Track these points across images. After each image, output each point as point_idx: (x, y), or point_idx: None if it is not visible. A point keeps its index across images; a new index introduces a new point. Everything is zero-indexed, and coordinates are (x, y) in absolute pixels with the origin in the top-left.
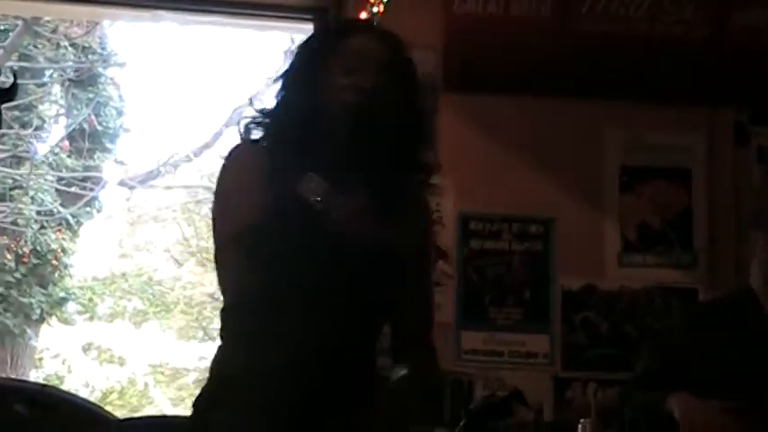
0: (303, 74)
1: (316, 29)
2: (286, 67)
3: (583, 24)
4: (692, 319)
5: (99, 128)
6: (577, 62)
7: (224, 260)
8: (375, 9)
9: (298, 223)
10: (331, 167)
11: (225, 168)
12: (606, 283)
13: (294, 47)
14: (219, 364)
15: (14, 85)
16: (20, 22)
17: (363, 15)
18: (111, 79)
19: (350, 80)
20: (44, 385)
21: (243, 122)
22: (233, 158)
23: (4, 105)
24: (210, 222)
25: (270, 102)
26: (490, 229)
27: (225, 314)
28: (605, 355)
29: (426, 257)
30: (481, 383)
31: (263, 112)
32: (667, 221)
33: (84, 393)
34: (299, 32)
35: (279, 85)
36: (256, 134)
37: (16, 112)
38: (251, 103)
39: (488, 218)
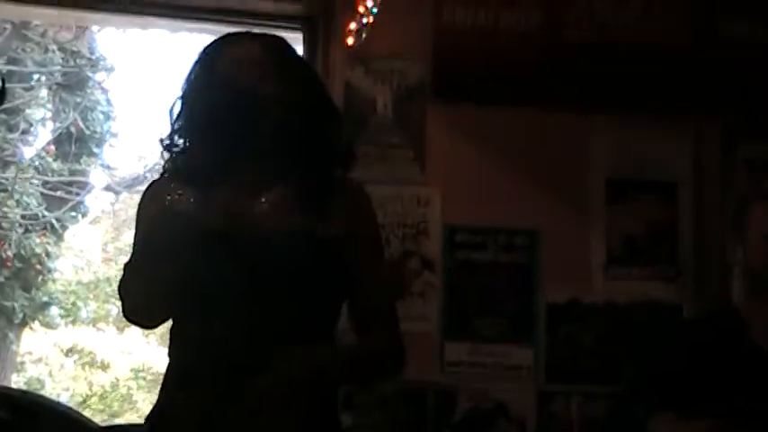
0: (189, 96)
1: (304, 38)
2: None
3: (570, 36)
4: (677, 336)
5: (86, 132)
6: (564, 74)
7: (124, 290)
8: (365, 19)
9: (170, 236)
10: (236, 174)
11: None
12: (591, 296)
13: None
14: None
15: (3, 90)
16: (8, 26)
17: (353, 25)
18: (99, 84)
19: (222, 78)
20: (25, 392)
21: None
22: (142, 197)
23: None
24: None
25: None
26: (476, 241)
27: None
28: (589, 369)
29: (363, 237)
30: (465, 395)
31: (170, 146)
32: (653, 235)
33: (65, 397)
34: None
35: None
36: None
37: (3, 116)
38: (160, 142)
39: (474, 229)
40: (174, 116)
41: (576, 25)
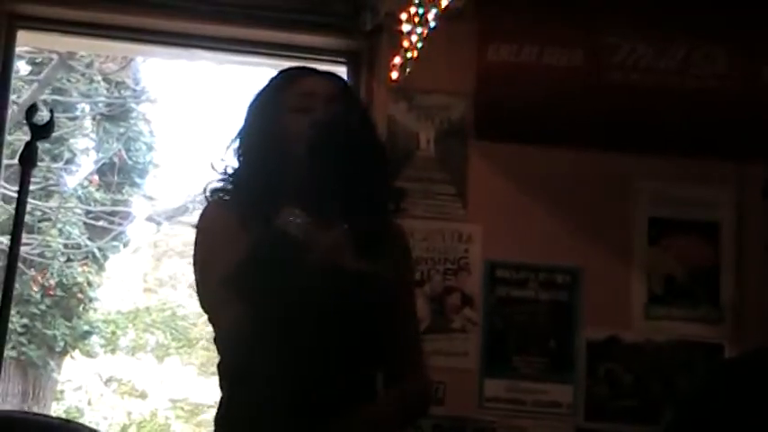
0: (258, 125)
1: (348, 72)
2: (241, 125)
3: (614, 75)
4: (717, 376)
5: (129, 162)
6: (608, 113)
7: (216, 306)
8: (409, 54)
9: (283, 256)
10: (303, 204)
11: (200, 230)
12: (631, 335)
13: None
14: (226, 420)
15: (51, 122)
16: (55, 57)
17: (397, 60)
18: (143, 115)
19: (305, 118)
20: (68, 420)
21: (209, 187)
22: (206, 218)
23: (39, 141)
24: (195, 288)
25: (231, 161)
26: (517, 278)
27: (226, 361)
28: (628, 408)
29: (407, 283)
30: None
31: (226, 173)
32: (694, 275)
33: (103, 426)
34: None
35: (237, 143)
36: (224, 196)
37: (47, 145)
38: (212, 167)
39: (515, 266)
40: (238, 143)
41: (620, 65)
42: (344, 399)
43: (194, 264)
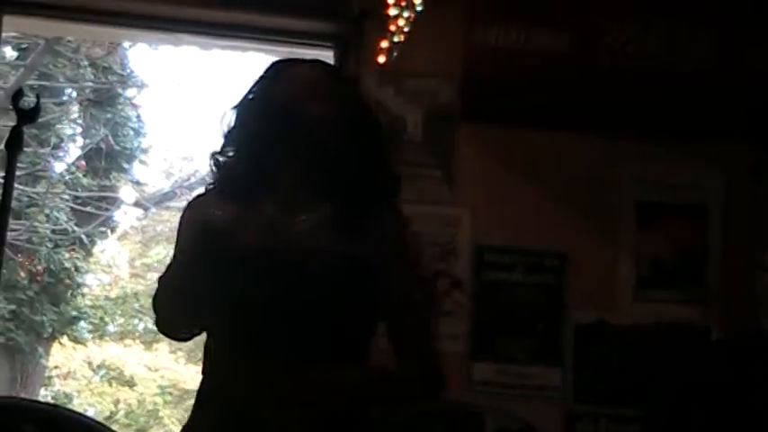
0: (248, 118)
1: (335, 56)
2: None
3: (602, 57)
4: (705, 359)
5: (116, 148)
6: (595, 97)
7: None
8: (396, 38)
9: (204, 248)
10: (275, 193)
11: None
12: (619, 318)
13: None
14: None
15: (37, 107)
16: (41, 42)
17: (384, 44)
18: (130, 100)
19: (275, 95)
20: (55, 405)
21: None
22: (182, 218)
23: (25, 127)
24: None
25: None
26: (505, 261)
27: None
28: (617, 390)
29: (401, 257)
30: (492, 416)
31: (219, 167)
32: (682, 258)
33: (91, 412)
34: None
35: (227, 137)
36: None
37: (34, 131)
38: (211, 167)
39: (503, 250)
40: (227, 132)
41: (607, 49)
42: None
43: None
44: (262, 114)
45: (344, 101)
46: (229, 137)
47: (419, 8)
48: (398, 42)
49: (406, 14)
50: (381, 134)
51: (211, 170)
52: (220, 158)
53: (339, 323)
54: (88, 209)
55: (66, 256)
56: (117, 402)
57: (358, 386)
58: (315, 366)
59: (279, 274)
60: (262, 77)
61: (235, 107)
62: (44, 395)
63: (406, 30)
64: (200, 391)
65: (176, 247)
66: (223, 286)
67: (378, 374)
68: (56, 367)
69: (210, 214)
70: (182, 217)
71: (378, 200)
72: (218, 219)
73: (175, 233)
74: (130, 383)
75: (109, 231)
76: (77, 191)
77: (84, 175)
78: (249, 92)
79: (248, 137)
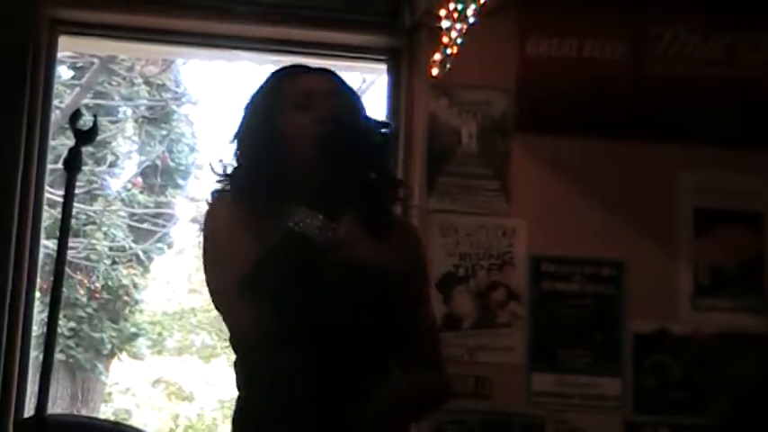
0: (258, 124)
1: (388, 69)
2: (238, 125)
3: (656, 67)
4: (765, 367)
5: (171, 164)
6: (651, 105)
7: (233, 307)
8: (449, 50)
9: (302, 258)
10: (311, 202)
11: (210, 230)
12: (678, 327)
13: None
14: (243, 419)
15: (95, 128)
16: (96, 61)
17: (437, 56)
18: (185, 116)
19: (308, 115)
20: (117, 423)
21: (211, 190)
22: (215, 218)
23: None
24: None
25: (230, 161)
26: (562, 271)
27: (242, 361)
28: (677, 399)
29: (419, 276)
30: (551, 426)
31: (226, 174)
32: (740, 266)
33: (151, 428)
34: (371, 73)
35: (235, 145)
36: (229, 196)
37: (90, 149)
38: (211, 169)
39: (560, 260)
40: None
41: (662, 57)
42: (362, 396)
43: (205, 265)
44: (276, 124)
45: (355, 107)
46: (241, 142)
47: (471, 20)
48: (451, 54)
49: (458, 27)
50: (382, 137)
51: (223, 175)
52: (229, 168)
53: (389, 338)
54: (145, 225)
55: (124, 272)
56: (176, 417)
57: (404, 397)
58: (369, 382)
59: (354, 289)
60: (269, 85)
61: (246, 117)
62: (104, 411)
63: (458, 42)
64: (244, 409)
65: (233, 248)
66: (304, 297)
67: (411, 382)
68: (115, 383)
69: (298, 222)
70: (211, 219)
71: (388, 206)
72: (308, 227)
73: None
74: (189, 398)
75: (166, 247)
76: (134, 208)
77: (141, 192)
78: (255, 98)
79: (264, 149)
